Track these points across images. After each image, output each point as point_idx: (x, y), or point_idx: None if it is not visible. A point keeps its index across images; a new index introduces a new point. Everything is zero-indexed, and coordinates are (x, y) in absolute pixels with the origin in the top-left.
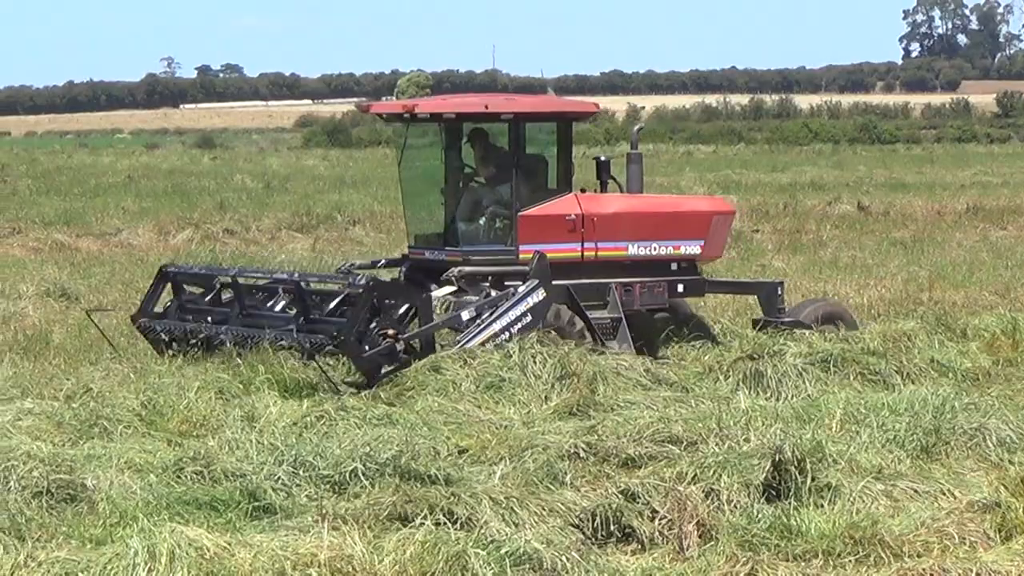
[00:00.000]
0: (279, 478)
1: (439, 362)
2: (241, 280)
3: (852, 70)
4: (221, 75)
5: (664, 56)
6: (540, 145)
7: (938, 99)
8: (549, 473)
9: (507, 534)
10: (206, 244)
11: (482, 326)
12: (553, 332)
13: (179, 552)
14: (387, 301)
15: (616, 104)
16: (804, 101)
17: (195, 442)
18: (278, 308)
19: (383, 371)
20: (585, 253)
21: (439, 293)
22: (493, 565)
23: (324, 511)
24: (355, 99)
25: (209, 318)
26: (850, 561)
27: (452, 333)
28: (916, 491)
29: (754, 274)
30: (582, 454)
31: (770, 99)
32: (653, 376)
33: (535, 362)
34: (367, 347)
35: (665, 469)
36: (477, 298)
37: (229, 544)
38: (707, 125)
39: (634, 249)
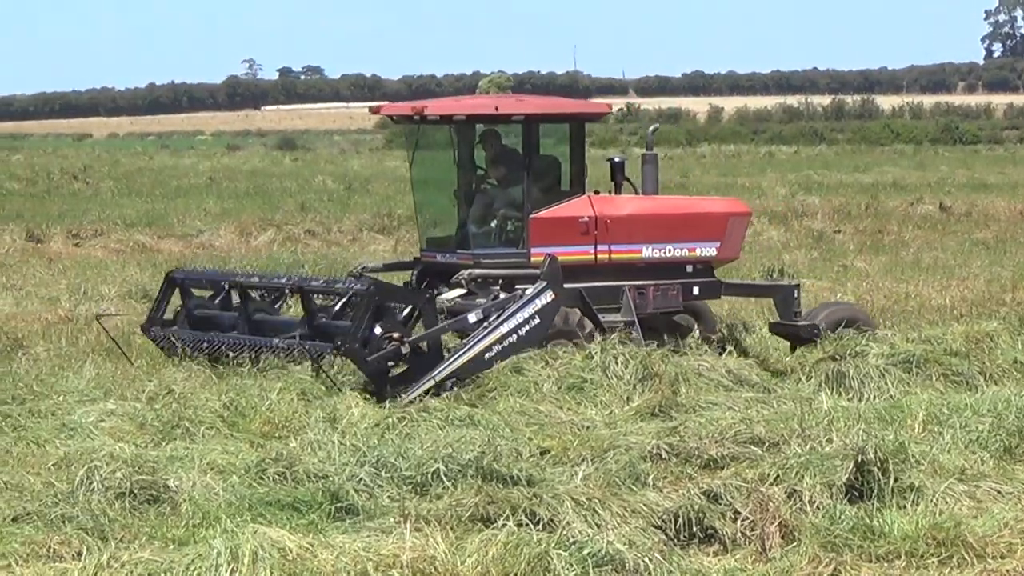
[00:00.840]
0: (361, 479)
1: (521, 363)
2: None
3: (934, 70)
4: (302, 77)
5: (746, 57)
6: (553, 147)
7: (1021, 99)
8: (631, 474)
9: (589, 535)
10: (288, 245)
11: (489, 328)
12: (562, 336)
13: (262, 553)
14: (389, 305)
15: (698, 105)
16: (886, 102)
17: (277, 443)
18: (285, 314)
19: (390, 373)
20: (598, 255)
21: (449, 296)
22: (575, 566)
23: (406, 512)
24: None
25: (217, 325)
26: (933, 562)
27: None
28: (999, 492)
29: (835, 275)
30: (664, 455)
31: (852, 100)
32: (735, 377)
33: (617, 363)
34: (372, 352)
35: (747, 470)
36: (484, 300)
37: (311, 545)
38: (789, 126)
39: (649, 251)
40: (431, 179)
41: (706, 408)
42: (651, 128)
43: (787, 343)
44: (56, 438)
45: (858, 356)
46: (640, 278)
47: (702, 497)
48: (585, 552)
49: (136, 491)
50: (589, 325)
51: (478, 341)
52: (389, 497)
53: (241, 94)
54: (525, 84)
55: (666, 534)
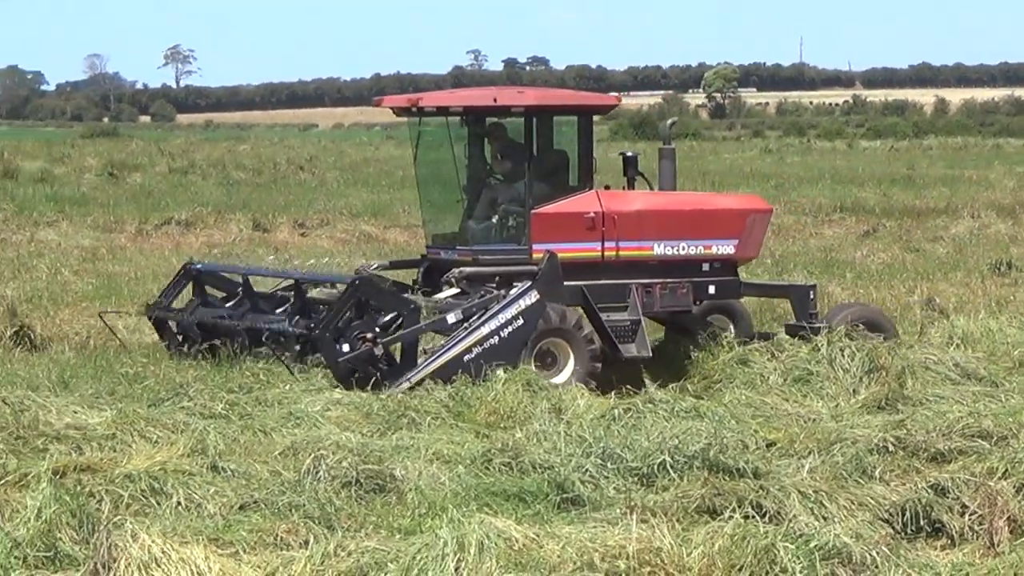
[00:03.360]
0: (587, 470)
1: (747, 355)
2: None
3: None
4: (527, 68)
5: (973, 49)
6: (558, 140)
7: None
8: (858, 467)
9: (816, 528)
10: None
11: (469, 330)
12: (555, 335)
13: (487, 543)
14: (372, 303)
15: (924, 97)
16: None
17: (503, 433)
18: (283, 308)
19: (356, 374)
20: (606, 253)
21: (442, 296)
22: (802, 559)
23: (632, 503)
24: (662, 92)
25: (220, 315)
26: None
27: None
28: None
29: None
30: (891, 448)
31: None
32: (962, 371)
33: (843, 355)
34: (343, 347)
35: (975, 464)
36: (463, 301)
37: (537, 535)
38: (1017, 118)
39: (660, 249)
40: (435, 174)
41: (933, 401)
42: (668, 122)
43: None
44: (283, 427)
45: None
46: (652, 276)
47: (929, 491)
48: (812, 545)
49: (362, 480)
50: (588, 326)
51: (457, 343)
52: (615, 488)
53: (466, 85)
54: (751, 76)
55: (893, 527)
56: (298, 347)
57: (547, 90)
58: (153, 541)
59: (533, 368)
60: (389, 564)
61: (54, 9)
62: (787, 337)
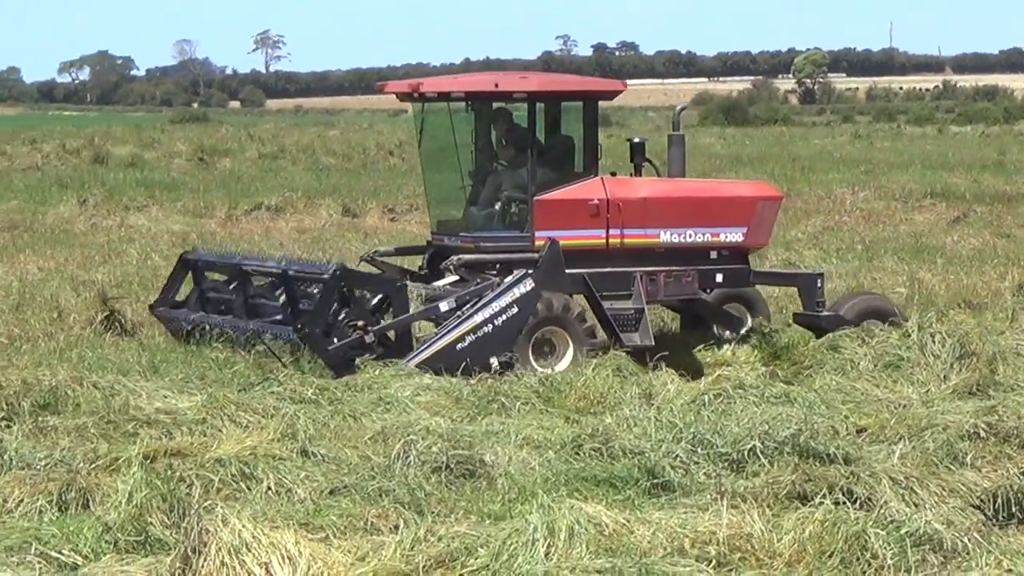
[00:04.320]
0: (677, 455)
1: (837, 340)
2: (251, 268)
3: None
4: (617, 53)
5: None
6: (562, 126)
7: None
8: (949, 453)
9: (907, 514)
10: None
11: (462, 318)
12: (551, 324)
13: (578, 528)
14: (357, 291)
15: (1016, 82)
16: None
17: (593, 419)
18: (281, 298)
19: (356, 361)
20: (610, 240)
21: (441, 283)
22: (892, 545)
23: (723, 489)
24: (752, 77)
25: (218, 307)
26: None
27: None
28: None
29: None
30: (982, 434)
31: None
32: None
33: (934, 341)
34: (335, 339)
35: None
36: (460, 288)
37: (628, 521)
38: None
39: (667, 236)
40: (439, 160)
41: None
42: (679, 108)
43: None
44: (373, 412)
45: None
46: (658, 264)
47: (1021, 477)
48: (903, 531)
49: (452, 465)
50: (590, 318)
51: (449, 331)
52: (705, 474)
53: (556, 70)
54: (841, 61)
55: (984, 514)
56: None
57: (551, 75)
58: (243, 526)
59: (531, 357)
60: (479, 549)
61: None
62: (875, 324)
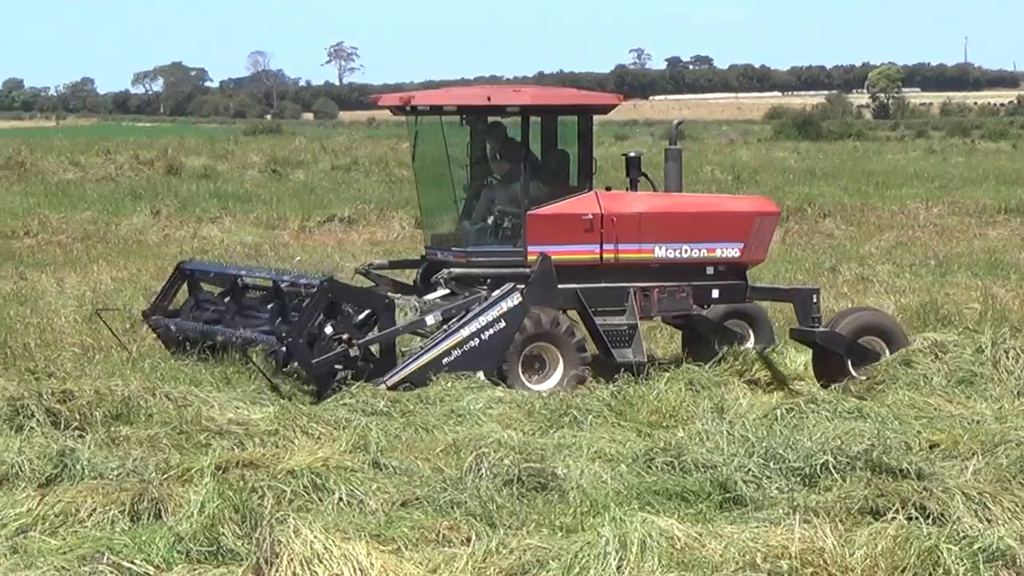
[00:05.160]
0: (750, 470)
1: (910, 356)
2: (249, 280)
3: None
4: (691, 67)
5: None
6: (564, 141)
7: None
8: (1023, 469)
9: (980, 530)
10: None
11: (448, 332)
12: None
13: (650, 542)
14: (344, 305)
15: None
16: None
17: (665, 432)
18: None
19: (337, 376)
20: (604, 255)
21: (431, 296)
22: (965, 561)
23: (795, 503)
24: (826, 92)
25: (211, 318)
26: None
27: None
28: None
29: None
30: None
31: None
32: None
33: (1007, 357)
34: (318, 352)
35: None
36: (447, 302)
37: (700, 535)
38: None
39: (662, 251)
40: (433, 174)
41: None
42: (675, 122)
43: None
44: (445, 424)
45: None
46: (653, 280)
47: None
48: (976, 547)
49: (524, 478)
50: (579, 334)
51: (436, 345)
52: (777, 488)
53: (629, 83)
54: (915, 76)
55: None
56: (283, 348)
57: (545, 89)
58: (315, 537)
59: (520, 373)
60: (551, 562)
61: (219, 7)
62: (951, 338)
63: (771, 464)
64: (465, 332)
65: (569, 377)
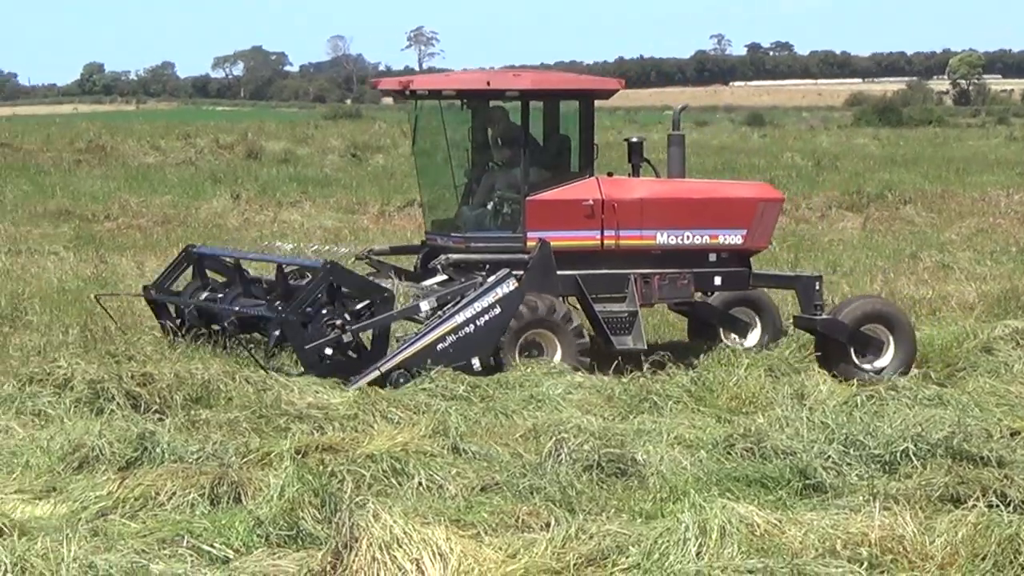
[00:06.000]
0: (829, 456)
1: (991, 343)
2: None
3: None
4: (771, 53)
5: None
6: (565, 125)
7: None
8: None
9: None
10: None
11: (443, 318)
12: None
13: (729, 528)
14: (344, 289)
15: None
16: None
17: (744, 419)
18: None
19: (324, 360)
20: (605, 241)
21: (429, 282)
22: None
23: (875, 491)
24: (906, 78)
25: (214, 299)
26: None
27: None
28: None
29: None
30: None
31: None
32: None
33: None
34: (312, 335)
35: None
36: (444, 288)
37: (779, 521)
38: None
39: (664, 238)
40: (433, 159)
41: None
42: (678, 107)
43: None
44: (524, 409)
45: None
46: (654, 267)
47: None
48: None
49: (604, 464)
50: (577, 319)
51: (430, 331)
52: (857, 475)
53: (709, 70)
54: (996, 63)
55: None
56: (276, 333)
57: (544, 73)
58: (395, 521)
59: (517, 360)
60: (630, 547)
61: None
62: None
63: (851, 451)
64: (460, 318)
65: (567, 364)
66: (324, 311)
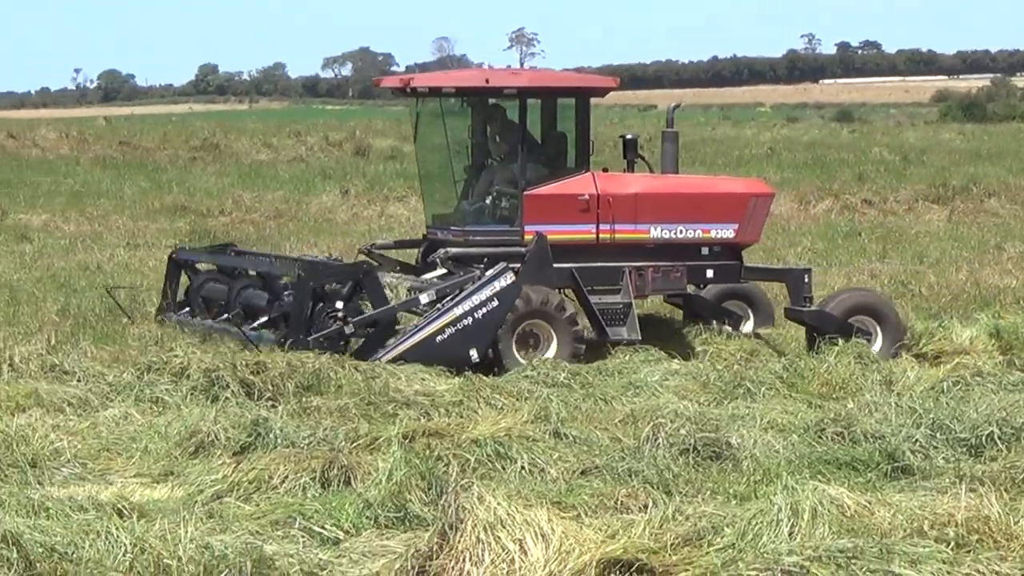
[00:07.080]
0: (917, 440)
1: None
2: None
3: None
4: (860, 51)
5: None
6: (562, 122)
7: None
8: None
9: None
10: (845, 215)
11: (442, 310)
12: (535, 317)
13: (820, 509)
14: (326, 285)
15: None
16: None
17: (835, 404)
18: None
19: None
20: (600, 235)
21: (429, 276)
22: None
23: (961, 473)
24: (990, 75)
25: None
26: None
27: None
28: None
29: None
30: None
31: None
32: None
33: None
34: (315, 331)
35: None
36: (439, 281)
37: (869, 503)
38: None
39: (657, 232)
40: (435, 155)
41: None
42: (672, 105)
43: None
44: (623, 395)
45: None
46: (648, 260)
47: None
48: None
49: (699, 447)
50: (571, 308)
51: (429, 323)
52: (944, 458)
53: (800, 68)
54: None
55: None
56: (285, 326)
57: (542, 71)
58: (499, 503)
59: (514, 350)
60: (725, 528)
61: None
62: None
63: (938, 435)
64: (459, 311)
65: (563, 354)
66: (319, 308)
